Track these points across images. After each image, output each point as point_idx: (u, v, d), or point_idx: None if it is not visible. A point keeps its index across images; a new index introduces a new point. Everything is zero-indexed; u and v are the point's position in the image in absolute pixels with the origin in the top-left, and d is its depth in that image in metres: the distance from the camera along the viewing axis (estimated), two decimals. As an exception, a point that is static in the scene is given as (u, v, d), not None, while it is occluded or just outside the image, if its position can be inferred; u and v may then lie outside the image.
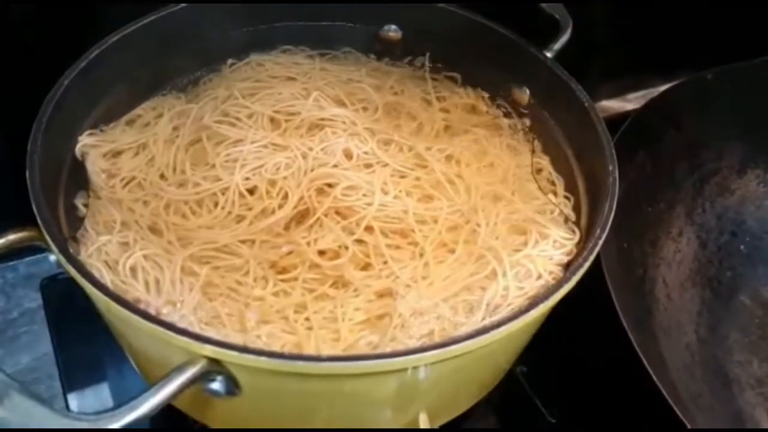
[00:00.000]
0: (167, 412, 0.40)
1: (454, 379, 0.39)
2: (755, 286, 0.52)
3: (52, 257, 0.37)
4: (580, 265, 0.35)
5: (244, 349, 0.32)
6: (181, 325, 0.35)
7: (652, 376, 0.34)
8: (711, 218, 0.53)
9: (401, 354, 0.32)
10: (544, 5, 0.50)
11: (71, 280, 0.36)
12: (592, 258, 0.36)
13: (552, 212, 0.43)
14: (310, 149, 0.43)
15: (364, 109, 0.48)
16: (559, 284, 0.35)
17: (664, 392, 0.34)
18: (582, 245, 0.39)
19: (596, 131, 0.42)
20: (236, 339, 0.36)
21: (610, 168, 0.40)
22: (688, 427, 0.34)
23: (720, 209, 0.53)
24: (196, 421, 0.42)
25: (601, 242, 0.36)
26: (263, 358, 0.32)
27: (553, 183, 0.46)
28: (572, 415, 0.46)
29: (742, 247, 0.53)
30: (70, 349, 0.51)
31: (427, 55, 0.52)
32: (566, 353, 0.48)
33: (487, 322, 0.36)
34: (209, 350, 0.32)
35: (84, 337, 0.51)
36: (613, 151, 0.41)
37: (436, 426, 0.42)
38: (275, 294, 0.38)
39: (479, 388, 0.43)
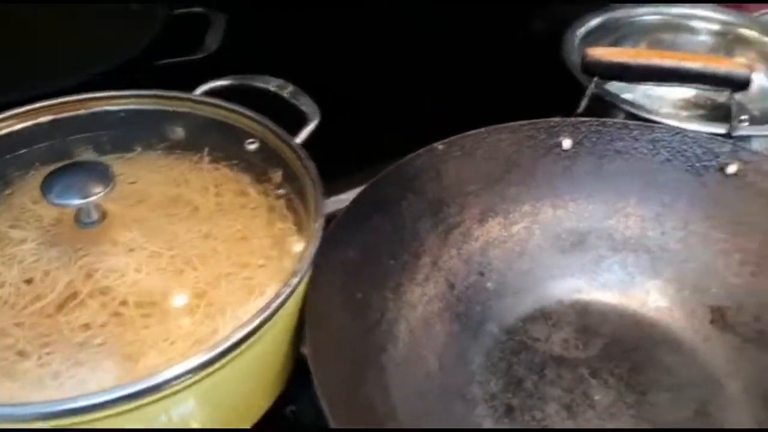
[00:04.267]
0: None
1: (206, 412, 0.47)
2: (502, 315, 0.60)
3: None
4: (261, 313, 0.44)
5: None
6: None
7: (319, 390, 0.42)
8: (458, 263, 0.61)
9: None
10: (293, 101, 0.61)
11: None
12: (275, 305, 0.45)
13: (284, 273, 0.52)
14: (81, 241, 0.52)
15: (139, 202, 0.57)
16: (242, 326, 0.43)
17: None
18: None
19: (314, 203, 0.52)
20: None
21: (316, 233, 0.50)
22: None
23: (466, 255, 0.62)
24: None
25: (288, 290, 0.46)
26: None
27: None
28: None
29: (489, 284, 0.62)
30: None
31: (206, 149, 0.62)
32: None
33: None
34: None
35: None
36: (320, 220, 0.51)
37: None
38: (40, 366, 0.46)
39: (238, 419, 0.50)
